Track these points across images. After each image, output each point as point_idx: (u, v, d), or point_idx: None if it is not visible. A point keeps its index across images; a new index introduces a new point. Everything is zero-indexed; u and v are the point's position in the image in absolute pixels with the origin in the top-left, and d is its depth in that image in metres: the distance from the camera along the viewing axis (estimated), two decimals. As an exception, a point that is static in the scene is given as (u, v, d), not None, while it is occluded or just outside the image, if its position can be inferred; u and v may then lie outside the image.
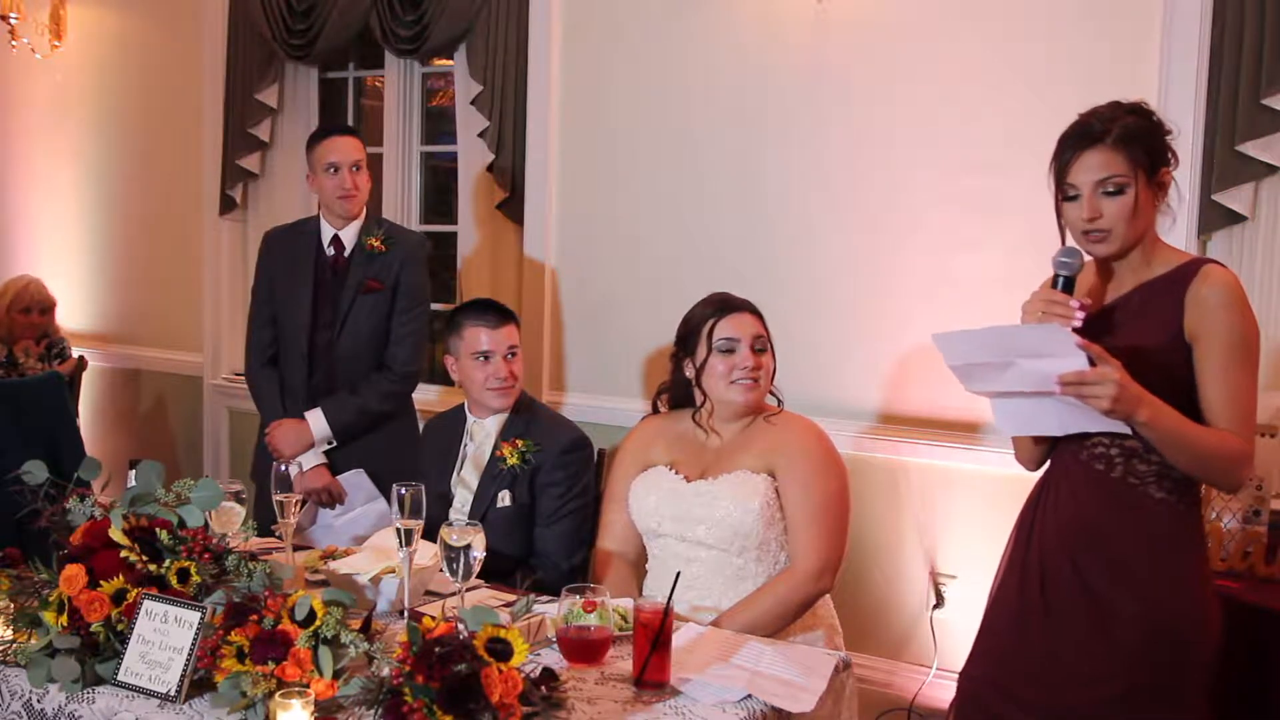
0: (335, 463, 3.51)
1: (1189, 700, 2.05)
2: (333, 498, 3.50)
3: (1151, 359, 2.01)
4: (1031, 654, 2.12)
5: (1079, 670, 2.07)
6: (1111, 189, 2.02)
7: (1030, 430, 2.17)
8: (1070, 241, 2.09)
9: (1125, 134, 2.01)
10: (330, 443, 3.49)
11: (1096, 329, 2.06)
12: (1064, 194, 2.07)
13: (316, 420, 3.46)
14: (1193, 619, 2.05)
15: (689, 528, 2.57)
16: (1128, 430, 1.99)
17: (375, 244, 3.51)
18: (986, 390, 2.07)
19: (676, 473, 2.64)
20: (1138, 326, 2.06)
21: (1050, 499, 2.16)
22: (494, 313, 2.99)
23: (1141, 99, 2.10)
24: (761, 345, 2.62)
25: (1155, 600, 2.03)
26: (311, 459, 3.45)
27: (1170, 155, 2.08)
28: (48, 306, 5.27)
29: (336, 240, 3.54)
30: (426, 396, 4.31)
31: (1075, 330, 1.96)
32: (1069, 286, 2.04)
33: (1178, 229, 3.16)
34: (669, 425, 2.74)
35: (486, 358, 2.92)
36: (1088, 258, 2.10)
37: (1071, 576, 2.09)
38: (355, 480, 3.51)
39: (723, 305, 2.65)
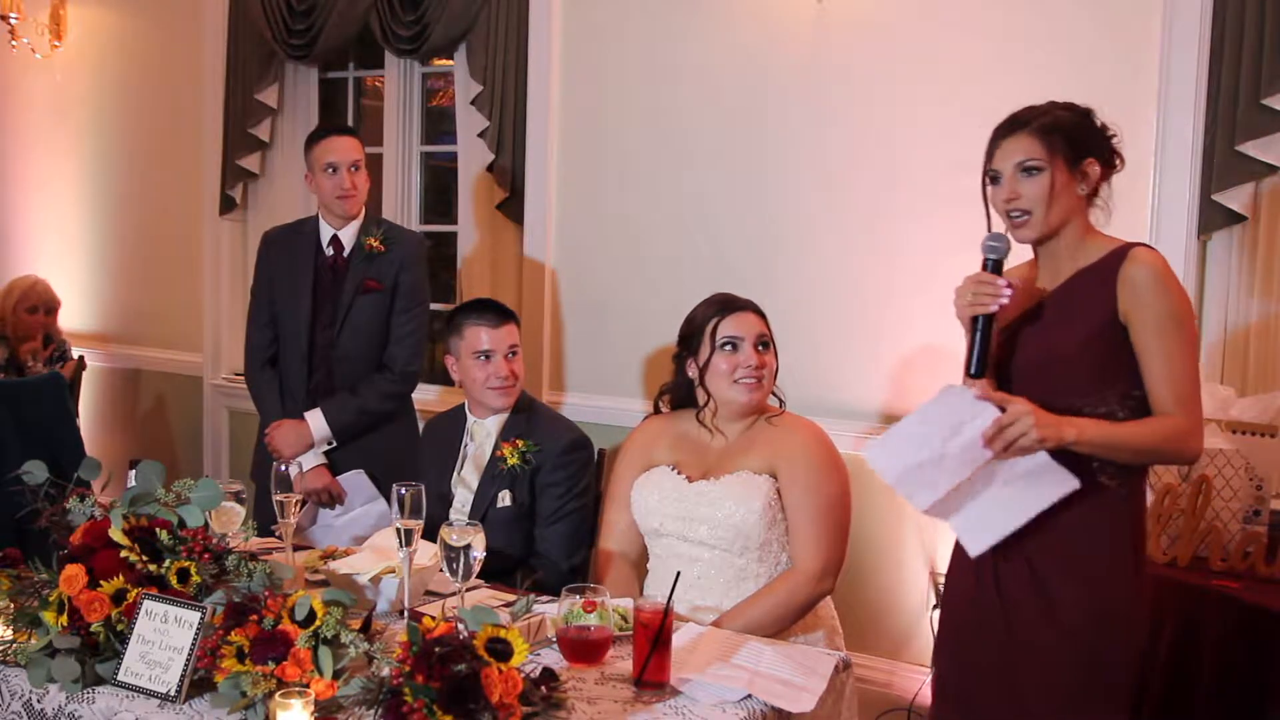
0: (335, 463, 3.51)
1: (1116, 685, 2.10)
2: (333, 498, 3.50)
3: (1090, 346, 2.07)
4: (993, 667, 2.17)
5: (1045, 683, 2.11)
6: (1028, 169, 2.09)
7: (1001, 533, 2.13)
8: (998, 227, 2.17)
9: (1048, 124, 2.10)
10: (330, 443, 3.49)
11: (1036, 320, 2.14)
12: (990, 178, 2.16)
13: (316, 421, 3.46)
14: (1126, 602, 2.11)
15: (691, 528, 2.57)
16: (1075, 450, 2.02)
17: (374, 244, 3.51)
18: (938, 497, 2.09)
19: (679, 473, 2.64)
20: (1074, 315, 2.10)
21: None
22: (494, 312, 2.99)
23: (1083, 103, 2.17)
24: (765, 344, 2.62)
25: (1095, 582, 2.09)
26: (311, 459, 3.45)
27: (1114, 157, 2.14)
28: (53, 307, 5.27)
29: (335, 240, 3.54)
30: (426, 396, 4.31)
31: (1002, 307, 2.06)
32: (997, 269, 2.12)
33: (1178, 228, 3.18)
34: (671, 425, 2.74)
35: (487, 357, 2.92)
36: (1020, 246, 2.17)
37: (1022, 566, 2.13)
38: (355, 481, 3.51)
39: (726, 304, 2.65)
